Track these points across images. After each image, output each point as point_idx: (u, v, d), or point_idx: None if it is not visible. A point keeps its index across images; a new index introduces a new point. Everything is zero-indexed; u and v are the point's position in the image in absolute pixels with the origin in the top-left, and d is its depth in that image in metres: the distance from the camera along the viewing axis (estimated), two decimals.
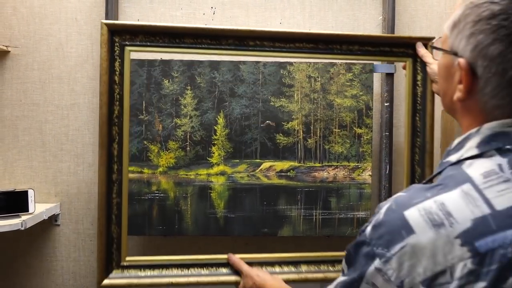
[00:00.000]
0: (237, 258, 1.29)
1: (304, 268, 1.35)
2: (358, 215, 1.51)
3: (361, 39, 1.36)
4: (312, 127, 1.51)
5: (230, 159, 1.50)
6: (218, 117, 1.50)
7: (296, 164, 1.51)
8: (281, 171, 1.51)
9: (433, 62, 1.23)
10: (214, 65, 1.48)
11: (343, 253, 1.44)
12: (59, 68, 1.56)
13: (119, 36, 1.27)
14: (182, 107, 1.49)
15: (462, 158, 0.64)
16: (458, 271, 0.55)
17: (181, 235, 1.49)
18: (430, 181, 0.68)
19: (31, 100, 1.55)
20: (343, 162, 1.52)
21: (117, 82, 1.29)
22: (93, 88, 1.55)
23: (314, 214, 1.50)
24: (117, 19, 1.52)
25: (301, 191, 1.51)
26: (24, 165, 1.56)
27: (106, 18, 1.49)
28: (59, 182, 1.56)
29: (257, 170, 1.51)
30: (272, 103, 1.50)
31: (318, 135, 1.51)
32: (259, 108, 1.50)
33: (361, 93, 1.50)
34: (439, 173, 0.67)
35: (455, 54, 0.66)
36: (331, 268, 1.36)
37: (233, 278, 1.30)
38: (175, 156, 1.50)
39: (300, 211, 1.50)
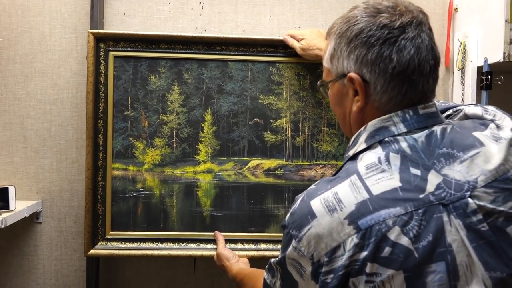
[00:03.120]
0: (221, 236, 1.44)
1: (263, 246, 1.47)
2: None
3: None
4: (300, 125, 1.49)
5: (217, 156, 1.48)
6: (206, 114, 1.47)
7: (284, 162, 1.50)
8: (268, 169, 1.50)
9: (300, 40, 1.39)
10: (202, 61, 1.46)
11: None
12: (42, 61, 1.52)
13: (104, 43, 1.44)
14: (169, 103, 1.46)
15: (356, 152, 0.79)
16: (348, 245, 0.68)
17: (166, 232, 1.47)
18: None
19: (12, 94, 1.51)
20: (331, 160, 1.51)
21: (102, 82, 1.44)
22: (77, 83, 1.52)
23: None
24: (102, 13, 1.49)
25: (289, 190, 1.50)
26: (4, 161, 1.51)
27: (91, 11, 1.46)
28: (41, 178, 1.53)
29: (244, 168, 1.49)
30: (260, 101, 1.48)
31: (307, 133, 1.50)
32: (247, 105, 1.48)
33: None
34: (342, 166, 0.81)
35: (343, 75, 0.80)
36: None
37: (199, 252, 1.45)
38: (161, 153, 1.47)
39: (288, 210, 1.49)
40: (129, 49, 1.45)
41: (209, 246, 1.46)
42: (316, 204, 0.72)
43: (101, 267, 1.52)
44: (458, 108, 0.94)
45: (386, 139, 0.76)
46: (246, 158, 1.49)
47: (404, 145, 0.74)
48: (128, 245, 1.45)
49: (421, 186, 0.70)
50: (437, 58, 0.80)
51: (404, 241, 0.67)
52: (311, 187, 0.78)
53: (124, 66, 1.45)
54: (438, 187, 0.70)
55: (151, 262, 1.55)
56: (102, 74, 1.44)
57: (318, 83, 0.93)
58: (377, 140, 0.77)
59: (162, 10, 1.54)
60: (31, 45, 1.51)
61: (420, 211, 0.68)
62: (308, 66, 1.48)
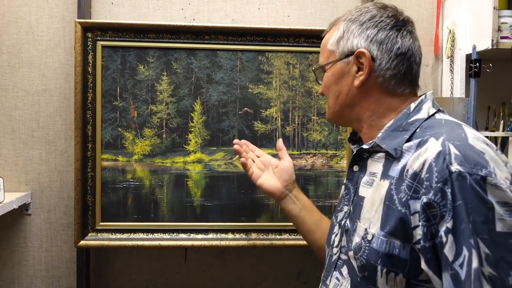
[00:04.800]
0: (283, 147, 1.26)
1: (254, 235, 1.47)
2: (336, 203, 1.50)
3: (306, 33, 1.47)
4: (290, 115, 1.49)
5: (207, 146, 1.48)
6: (195, 103, 1.47)
7: (274, 152, 1.49)
8: None
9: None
10: (191, 50, 1.45)
11: (288, 224, 1.46)
12: (30, 52, 1.50)
13: (91, 33, 1.43)
14: (158, 93, 1.45)
15: (430, 114, 0.89)
16: None
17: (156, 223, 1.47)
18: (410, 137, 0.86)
19: None
20: (321, 150, 1.51)
21: (90, 72, 1.43)
22: (65, 74, 1.50)
23: None
24: (90, 2, 1.47)
25: None
26: None
27: (79, 0, 1.45)
28: (30, 170, 1.51)
29: (234, 158, 1.49)
30: (250, 90, 1.47)
31: (296, 122, 1.49)
32: (237, 95, 1.47)
33: None
34: (415, 128, 0.86)
35: (350, 53, 0.92)
36: (277, 236, 1.48)
37: (189, 242, 1.44)
38: (151, 144, 1.46)
39: None
40: (117, 38, 1.43)
41: (200, 236, 1.46)
42: (477, 143, 0.77)
43: (91, 258, 1.52)
44: None
45: (440, 109, 0.91)
46: None
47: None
48: (119, 236, 1.45)
49: None
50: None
51: None
52: (443, 137, 0.78)
53: (112, 56, 1.43)
54: None
55: (142, 253, 1.55)
56: (90, 64, 1.43)
57: (314, 66, 1.03)
58: (436, 108, 0.90)
59: None
60: (18, 35, 1.49)
61: None
62: (297, 55, 1.48)
